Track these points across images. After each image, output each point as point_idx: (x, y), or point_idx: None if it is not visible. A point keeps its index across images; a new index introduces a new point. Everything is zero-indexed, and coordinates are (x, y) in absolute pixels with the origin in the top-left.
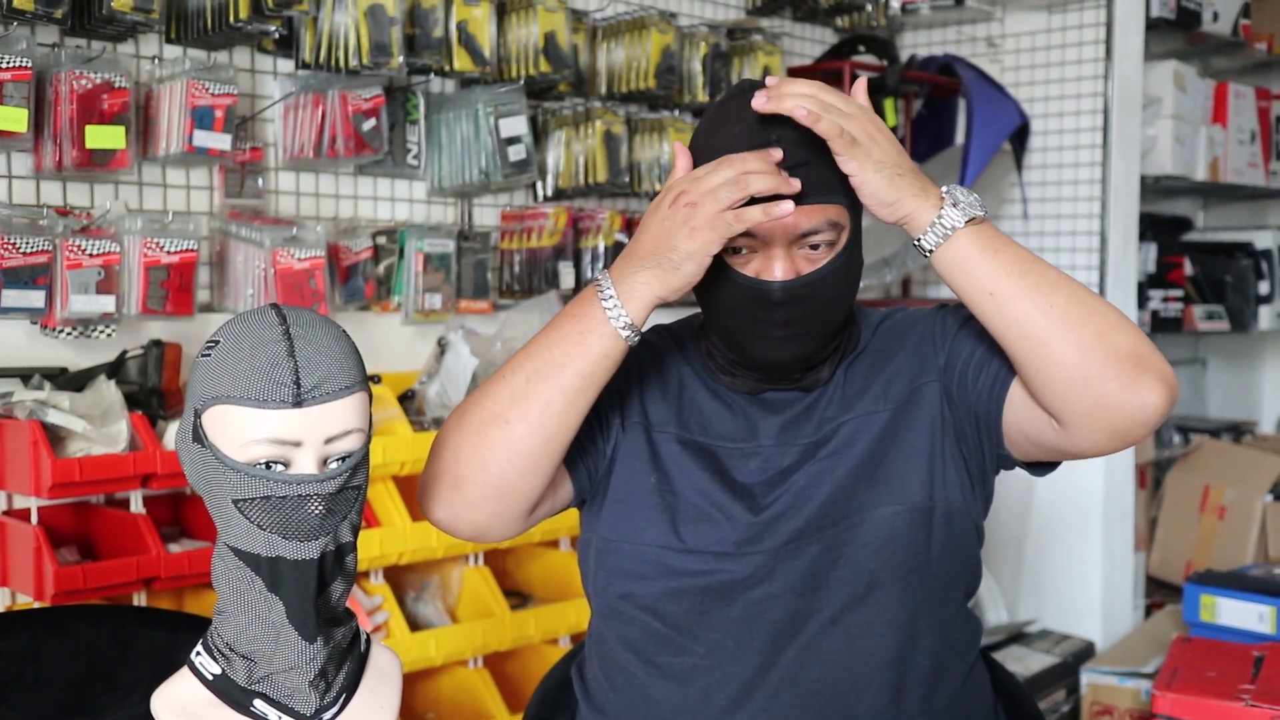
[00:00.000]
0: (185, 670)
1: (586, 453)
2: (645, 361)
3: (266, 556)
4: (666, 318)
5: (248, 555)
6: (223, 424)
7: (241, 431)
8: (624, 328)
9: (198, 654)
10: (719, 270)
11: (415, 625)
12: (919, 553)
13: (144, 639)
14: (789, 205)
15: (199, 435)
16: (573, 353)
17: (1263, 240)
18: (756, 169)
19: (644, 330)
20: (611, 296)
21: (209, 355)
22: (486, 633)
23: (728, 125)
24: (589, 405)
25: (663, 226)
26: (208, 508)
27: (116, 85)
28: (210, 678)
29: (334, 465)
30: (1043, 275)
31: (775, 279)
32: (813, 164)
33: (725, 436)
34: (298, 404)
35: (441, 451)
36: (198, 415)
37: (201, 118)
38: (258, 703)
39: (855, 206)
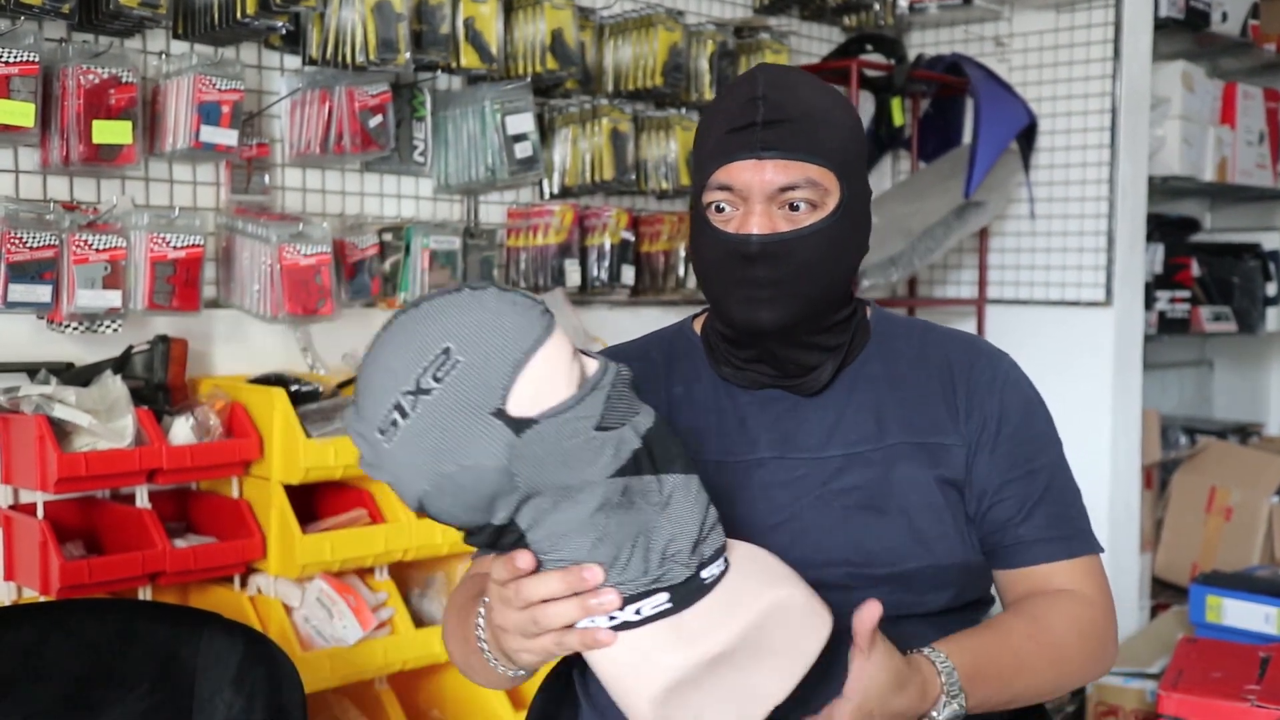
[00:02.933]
0: None
1: None
2: None
3: None
4: (668, 319)
5: None
6: None
7: None
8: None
9: None
10: (704, 228)
11: (420, 622)
12: (935, 598)
13: (148, 634)
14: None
15: None
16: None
17: (1270, 241)
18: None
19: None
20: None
21: None
22: None
23: (720, 102)
24: None
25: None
26: None
27: (123, 80)
28: None
29: None
30: (1023, 676)
31: (751, 232)
32: (797, 121)
33: (720, 451)
34: None
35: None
36: None
37: (208, 113)
38: None
39: (850, 177)
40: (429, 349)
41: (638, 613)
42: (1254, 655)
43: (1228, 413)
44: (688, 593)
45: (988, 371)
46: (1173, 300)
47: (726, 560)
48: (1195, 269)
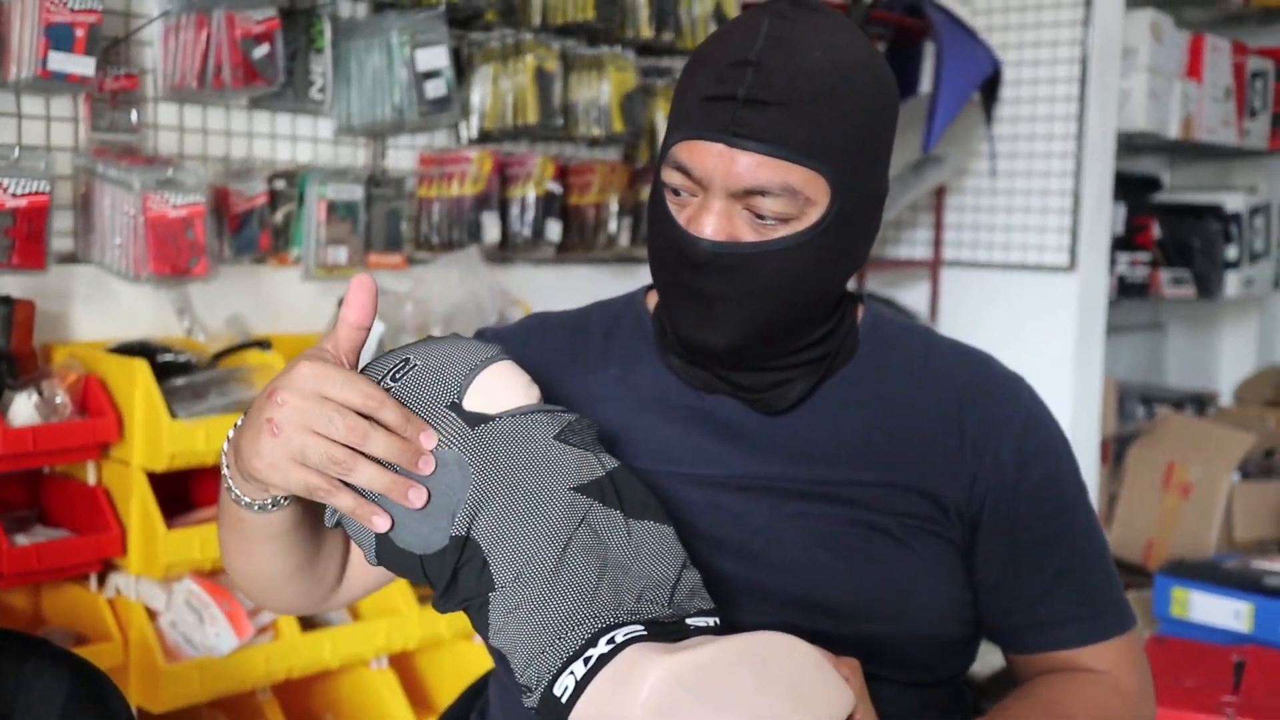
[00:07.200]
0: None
1: None
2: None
3: None
4: (597, 279)
5: None
6: None
7: None
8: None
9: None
10: (657, 206)
11: (309, 624)
12: (905, 671)
13: None
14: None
15: None
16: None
17: (1233, 203)
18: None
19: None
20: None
21: None
22: (390, 631)
23: (710, 47)
24: (301, 547)
25: (252, 417)
26: None
27: None
28: None
29: None
30: None
31: (703, 235)
32: (791, 104)
33: (654, 458)
34: None
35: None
36: None
37: (58, 37)
38: None
39: (851, 180)
40: (389, 361)
41: (610, 641)
42: (1227, 659)
43: (1180, 378)
44: (667, 630)
45: (1005, 404)
46: (1132, 263)
47: (718, 625)
48: (1156, 230)
